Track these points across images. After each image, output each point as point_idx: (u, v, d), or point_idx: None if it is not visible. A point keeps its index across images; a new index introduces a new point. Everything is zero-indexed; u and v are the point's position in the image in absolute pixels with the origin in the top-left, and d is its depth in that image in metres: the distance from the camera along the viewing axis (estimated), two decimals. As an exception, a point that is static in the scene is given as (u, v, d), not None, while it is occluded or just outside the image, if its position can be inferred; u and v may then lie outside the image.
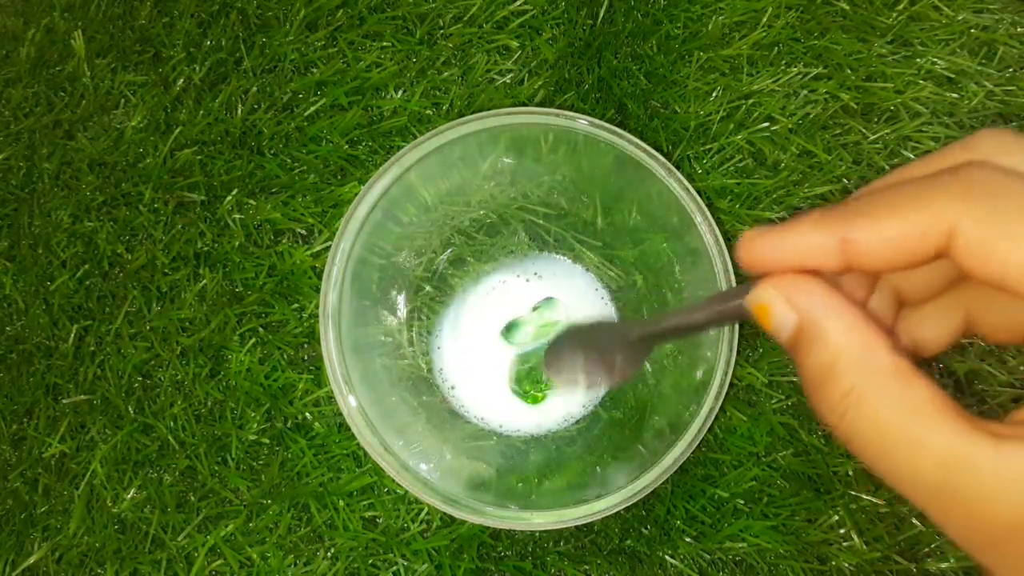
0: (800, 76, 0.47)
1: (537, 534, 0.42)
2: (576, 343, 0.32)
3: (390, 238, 0.43)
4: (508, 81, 0.48)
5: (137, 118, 0.48)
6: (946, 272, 0.22)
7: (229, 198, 0.47)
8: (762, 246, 0.20)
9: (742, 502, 0.42)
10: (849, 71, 0.48)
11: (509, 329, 0.44)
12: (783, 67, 0.48)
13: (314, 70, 0.48)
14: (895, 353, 0.19)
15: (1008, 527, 0.17)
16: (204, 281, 0.46)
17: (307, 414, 0.44)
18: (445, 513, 0.37)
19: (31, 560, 0.43)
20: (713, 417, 0.37)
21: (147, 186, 0.47)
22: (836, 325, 0.19)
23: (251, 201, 0.47)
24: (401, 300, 0.45)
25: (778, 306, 0.20)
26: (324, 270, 0.39)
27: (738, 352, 0.38)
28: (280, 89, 0.48)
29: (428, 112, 0.48)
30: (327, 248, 0.44)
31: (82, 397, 0.45)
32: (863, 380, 0.19)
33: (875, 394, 0.18)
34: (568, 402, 0.44)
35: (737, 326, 0.37)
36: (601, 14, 0.49)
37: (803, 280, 0.20)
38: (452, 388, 0.44)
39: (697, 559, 0.42)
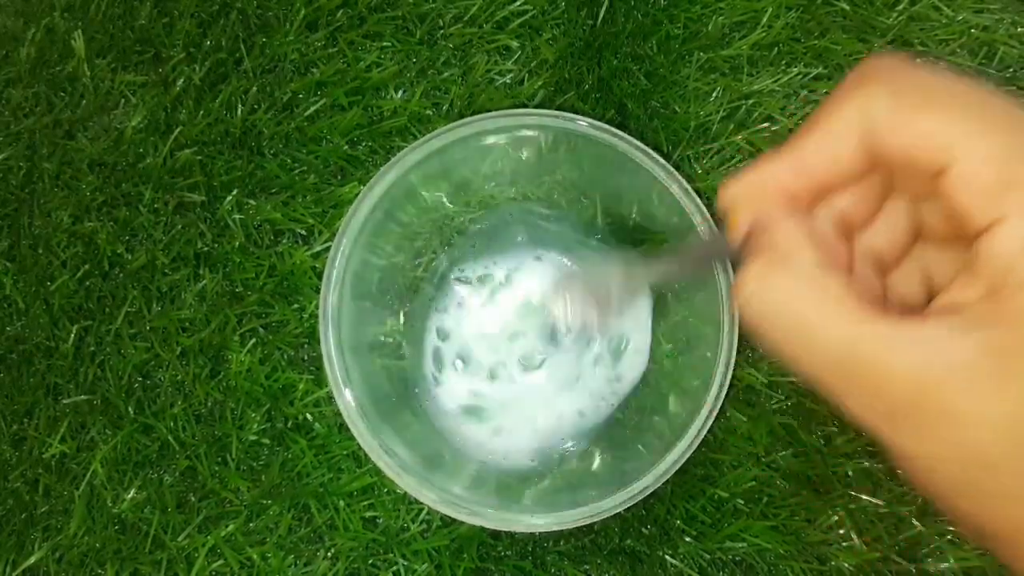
0: (800, 76, 0.47)
1: (537, 534, 0.42)
2: (577, 287, 0.36)
3: (390, 239, 0.43)
4: (508, 81, 0.48)
5: (137, 118, 0.48)
6: (909, 227, 0.23)
7: (229, 198, 0.47)
8: (735, 187, 0.23)
9: (742, 502, 0.42)
10: (849, 71, 0.48)
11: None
12: (783, 67, 0.48)
13: (314, 70, 0.48)
14: (820, 258, 0.21)
15: (906, 397, 0.18)
16: (204, 281, 0.46)
17: (307, 414, 0.44)
18: (445, 514, 0.37)
19: (31, 560, 0.43)
20: (713, 417, 0.37)
21: (147, 186, 0.47)
22: (782, 224, 0.21)
23: (251, 201, 0.47)
24: (401, 301, 0.45)
25: (741, 209, 0.22)
26: (324, 271, 0.39)
27: (738, 352, 0.38)
28: (280, 89, 0.48)
29: (428, 112, 0.48)
30: (327, 248, 0.44)
31: (82, 397, 0.45)
32: (783, 264, 0.21)
33: (788, 277, 0.20)
34: (569, 403, 0.44)
35: (736, 327, 0.37)
36: (601, 14, 0.49)
37: (766, 195, 0.22)
38: (452, 389, 0.44)
39: (697, 559, 0.42)
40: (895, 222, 0.23)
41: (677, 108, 0.47)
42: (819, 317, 0.19)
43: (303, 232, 0.47)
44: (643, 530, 0.43)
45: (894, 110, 0.20)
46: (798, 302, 0.20)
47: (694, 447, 0.36)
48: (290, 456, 0.43)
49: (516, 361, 0.44)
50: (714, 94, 0.48)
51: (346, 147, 0.47)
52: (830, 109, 0.21)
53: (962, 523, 0.19)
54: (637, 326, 0.44)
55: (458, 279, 0.45)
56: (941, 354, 0.18)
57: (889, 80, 0.20)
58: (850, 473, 0.42)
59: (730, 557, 0.42)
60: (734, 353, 0.37)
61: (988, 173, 0.18)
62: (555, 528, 0.37)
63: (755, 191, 0.22)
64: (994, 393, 0.17)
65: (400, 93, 0.48)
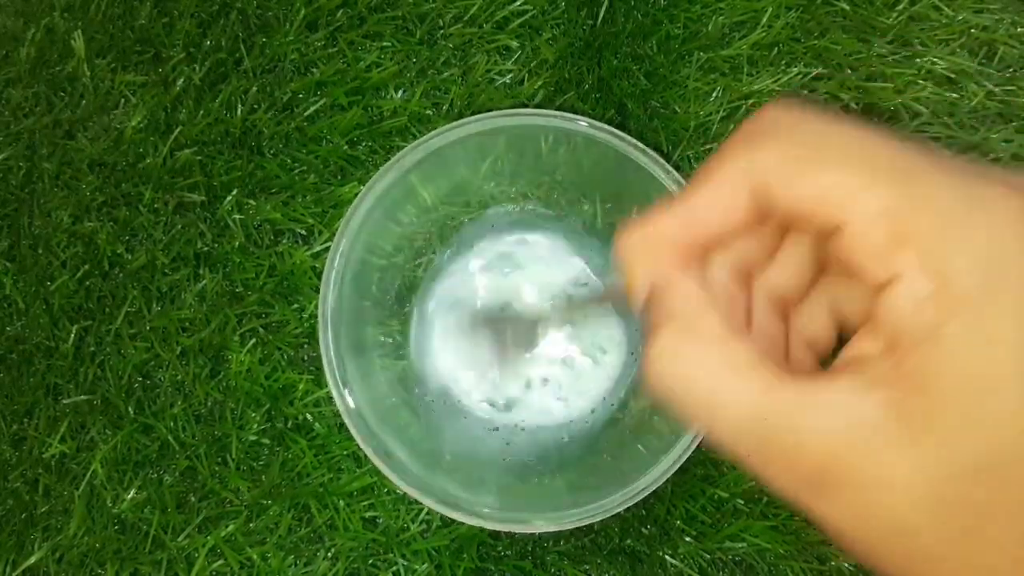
0: (800, 76, 0.47)
1: (537, 534, 0.42)
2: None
3: (390, 239, 0.43)
4: (508, 81, 0.48)
5: (137, 118, 0.48)
6: (811, 262, 0.23)
7: (229, 198, 0.47)
8: (627, 240, 0.22)
9: (742, 502, 0.42)
10: (849, 71, 0.48)
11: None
12: (783, 67, 0.48)
13: (314, 70, 0.48)
14: (724, 321, 0.20)
15: (818, 464, 0.18)
16: (204, 281, 0.46)
17: (307, 414, 0.44)
18: (445, 514, 0.37)
19: (31, 560, 0.43)
20: (713, 417, 0.37)
21: (147, 186, 0.47)
22: (680, 288, 0.21)
23: (251, 201, 0.47)
24: (401, 301, 0.45)
25: (635, 278, 0.22)
26: (324, 271, 0.39)
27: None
28: (280, 89, 0.48)
29: (428, 112, 0.48)
30: (327, 248, 0.44)
31: (82, 397, 0.45)
32: (688, 334, 0.20)
33: (694, 347, 0.20)
34: (569, 403, 0.44)
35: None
36: (601, 14, 0.49)
37: (659, 259, 0.22)
38: (452, 389, 0.44)
39: (697, 559, 0.42)
40: (796, 259, 0.23)
41: (677, 108, 0.47)
42: (728, 388, 0.19)
43: (303, 232, 0.47)
44: (643, 530, 0.43)
45: (784, 165, 0.19)
46: (706, 374, 0.19)
47: (694, 447, 0.36)
48: (290, 456, 0.43)
49: (514, 361, 0.44)
50: (714, 94, 0.48)
51: (346, 147, 0.47)
52: (720, 162, 0.20)
53: None
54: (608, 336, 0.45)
55: (457, 278, 0.45)
56: (848, 417, 0.17)
57: (779, 133, 0.20)
58: (850, 473, 0.42)
59: (730, 557, 0.42)
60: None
61: (880, 230, 0.17)
62: (555, 528, 0.37)
63: (648, 245, 0.22)
64: (902, 457, 0.17)
65: (400, 93, 0.48)
